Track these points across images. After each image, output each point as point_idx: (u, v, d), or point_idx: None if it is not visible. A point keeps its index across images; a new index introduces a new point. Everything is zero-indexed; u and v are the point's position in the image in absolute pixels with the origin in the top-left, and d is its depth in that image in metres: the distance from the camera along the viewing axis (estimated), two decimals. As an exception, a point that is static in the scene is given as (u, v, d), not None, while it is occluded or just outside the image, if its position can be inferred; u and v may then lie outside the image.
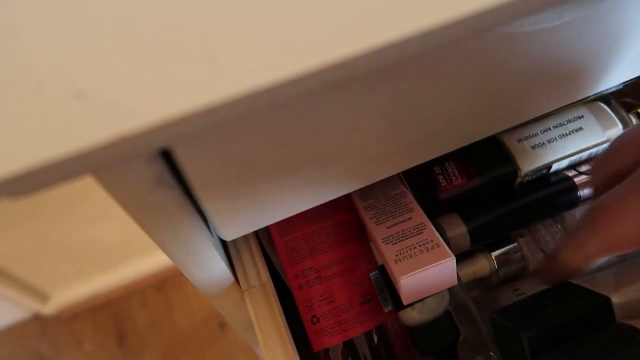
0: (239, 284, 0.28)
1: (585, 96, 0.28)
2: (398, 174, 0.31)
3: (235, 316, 0.30)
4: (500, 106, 0.25)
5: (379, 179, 0.26)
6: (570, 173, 0.34)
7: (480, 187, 0.32)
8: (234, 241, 0.29)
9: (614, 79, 0.27)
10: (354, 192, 0.31)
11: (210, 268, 0.25)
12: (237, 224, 0.24)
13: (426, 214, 0.28)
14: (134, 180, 0.16)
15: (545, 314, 0.24)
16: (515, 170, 0.32)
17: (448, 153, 0.26)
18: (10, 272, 1.06)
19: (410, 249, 0.26)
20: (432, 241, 0.26)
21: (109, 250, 1.13)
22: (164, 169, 0.17)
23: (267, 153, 0.20)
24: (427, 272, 0.25)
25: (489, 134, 0.26)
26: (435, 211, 0.32)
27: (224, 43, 0.13)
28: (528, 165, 0.32)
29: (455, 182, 0.32)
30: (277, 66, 0.13)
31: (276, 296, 0.28)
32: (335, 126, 0.20)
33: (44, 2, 0.13)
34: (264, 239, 0.31)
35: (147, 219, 0.19)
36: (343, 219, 0.30)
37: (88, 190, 0.90)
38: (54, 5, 0.13)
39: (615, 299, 0.23)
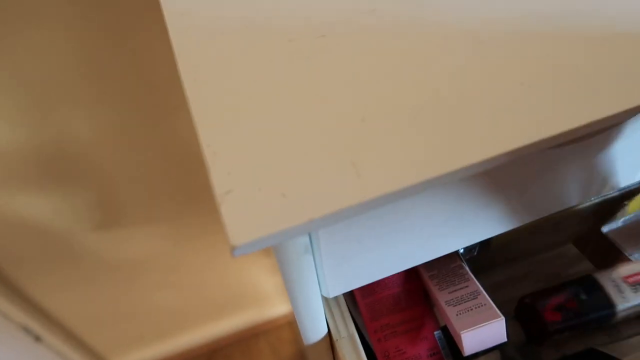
0: (330, 334, 0.36)
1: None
2: (456, 251, 0.39)
3: (324, 362, 0.37)
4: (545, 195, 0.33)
5: (443, 254, 0.34)
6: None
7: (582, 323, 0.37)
8: (327, 298, 0.37)
9: None
10: (420, 265, 0.39)
11: (315, 318, 0.33)
12: (339, 285, 0.32)
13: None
14: (291, 249, 0.25)
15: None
16: (613, 310, 0.36)
17: (486, 255, 0.34)
18: (75, 332, 1.15)
19: (468, 310, 0.34)
20: (485, 304, 0.34)
21: (167, 319, 1.21)
22: (309, 241, 0.26)
23: (374, 237, 0.28)
24: (483, 328, 0.32)
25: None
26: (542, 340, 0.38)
27: (366, 163, 0.22)
28: (623, 304, 0.36)
29: (556, 318, 0.37)
30: (394, 179, 0.22)
31: (361, 346, 0.35)
32: (423, 220, 0.29)
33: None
34: (348, 301, 0.38)
35: (290, 275, 0.27)
36: (411, 286, 0.38)
37: (152, 260, 0.99)
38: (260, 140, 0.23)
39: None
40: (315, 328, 0.33)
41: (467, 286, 0.36)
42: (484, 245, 0.42)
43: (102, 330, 1.18)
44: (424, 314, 0.37)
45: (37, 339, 1.07)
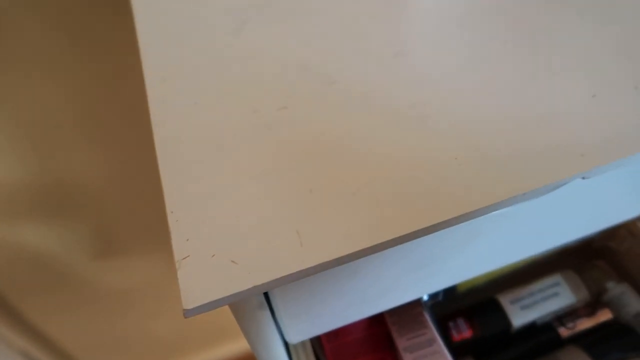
0: (296, 377, 0.38)
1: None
2: (418, 299, 0.41)
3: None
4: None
5: (403, 303, 0.36)
6: (554, 321, 0.44)
7: (484, 338, 0.42)
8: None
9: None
10: (385, 312, 0.41)
11: (278, 362, 0.35)
12: (301, 333, 0.34)
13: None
14: (246, 306, 0.28)
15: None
16: (509, 325, 0.42)
17: (458, 311, 0.37)
18: (73, 357, 1.17)
19: (423, 358, 0.36)
20: (439, 352, 0.36)
21: (162, 346, 1.23)
22: (263, 298, 0.29)
23: (329, 290, 0.31)
24: (435, 375, 0.35)
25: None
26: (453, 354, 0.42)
27: (309, 233, 0.25)
28: (518, 321, 0.42)
29: (465, 335, 0.42)
30: (330, 250, 0.24)
31: (323, 388, 0.37)
32: (379, 273, 0.31)
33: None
34: (315, 343, 0.41)
35: (248, 327, 0.30)
36: (376, 330, 0.40)
37: (147, 288, 1.02)
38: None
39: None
40: (279, 372, 0.36)
41: (424, 333, 0.38)
42: (449, 291, 0.44)
43: (99, 356, 1.20)
44: (387, 358, 0.39)
45: (36, 364, 1.09)
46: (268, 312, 0.30)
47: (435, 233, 0.26)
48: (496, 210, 0.26)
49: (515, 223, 0.33)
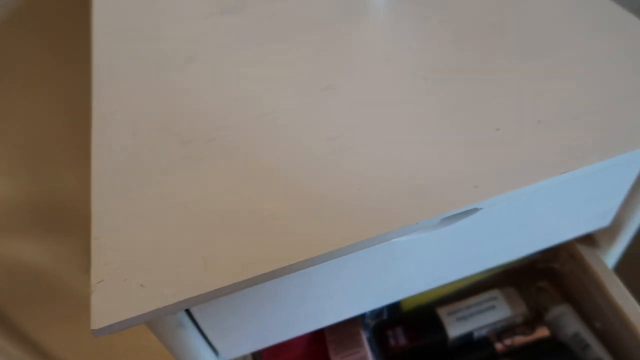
0: (236, 392, 0.40)
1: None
2: (359, 318, 0.43)
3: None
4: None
5: (336, 321, 0.38)
6: (490, 336, 0.45)
7: (420, 347, 0.44)
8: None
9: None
10: (326, 329, 0.43)
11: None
12: (233, 349, 0.36)
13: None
14: (163, 326, 0.30)
15: None
16: (445, 335, 0.43)
17: (397, 319, 0.39)
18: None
19: (353, 375, 0.38)
20: (368, 370, 0.38)
21: (153, 356, 1.25)
22: (183, 316, 0.31)
23: (251, 309, 0.33)
24: (360, 392, 0.36)
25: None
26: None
27: (214, 259, 0.27)
28: (454, 332, 0.43)
29: (401, 343, 0.44)
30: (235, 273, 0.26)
31: (261, 403, 0.39)
32: (302, 291, 0.33)
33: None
34: (257, 357, 0.43)
35: (172, 346, 0.32)
36: (316, 348, 0.42)
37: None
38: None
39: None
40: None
41: (358, 352, 0.40)
42: (393, 309, 0.46)
43: (94, 365, 1.23)
44: (325, 374, 0.41)
45: (34, 375, 1.13)
46: (191, 331, 0.32)
47: (356, 257, 0.28)
48: (392, 238, 0.28)
49: (440, 246, 0.35)
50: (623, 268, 0.47)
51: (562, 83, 0.34)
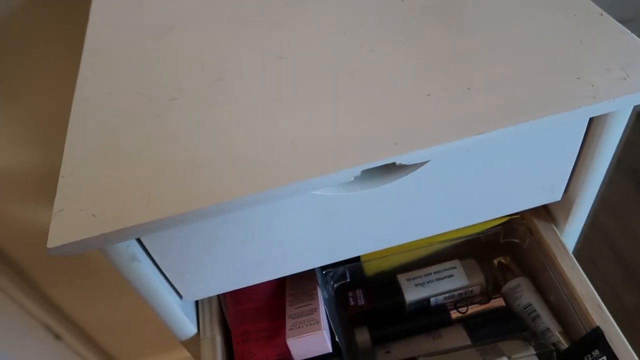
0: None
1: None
2: (317, 274, 0.46)
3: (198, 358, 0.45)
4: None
5: (294, 272, 0.41)
6: (447, 303, 0.48)
7: (378, 309, 0.46)
8: (202, 301, 0.46)
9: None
10: (287, 285, 0.46)
11: (177, 320, 0.41)
12: (193, 292, 0.40)
13: (343, 325, 0.43)
14: (117, 257, 0.34)
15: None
16: (403, 300, 0.46)
17: (360, 283, 0.41)
18: (92, 334, 1.28)
19: (301, 323, 0.41)
20: (316, 320, 0.41)
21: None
22: (137, 250, 0.35)
23: (203, 255, 0.37)
24: (304, 338, 0.39)
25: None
26: (350, 323, 0.47)
27: (156, 196, 0.31)
28: (411, 297, 0.46)
29: (360, 304, 0.46)
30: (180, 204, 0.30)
31: (221, 347, 0.43)
32: (264, 235, 0.37)
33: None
34: (224, 305, 0.47)
35: (131, 280, 0.36)
36: (276, 302, 0.46)
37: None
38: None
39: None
40: (178, 328, 0.42)
41: (310, 304, 0.43)
42: (356, 273, 0.49)
43: (117, 335, 1.30)
44: (282, 327, 0.45)
45: (57, 337, 1.21)
46: (147, 267, 0.36)
47: (288, 206, 0.31)
48: (313, 187, 0.31)
49: (376, 208, 0.38)
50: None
51: (497, 55, 0.36)
